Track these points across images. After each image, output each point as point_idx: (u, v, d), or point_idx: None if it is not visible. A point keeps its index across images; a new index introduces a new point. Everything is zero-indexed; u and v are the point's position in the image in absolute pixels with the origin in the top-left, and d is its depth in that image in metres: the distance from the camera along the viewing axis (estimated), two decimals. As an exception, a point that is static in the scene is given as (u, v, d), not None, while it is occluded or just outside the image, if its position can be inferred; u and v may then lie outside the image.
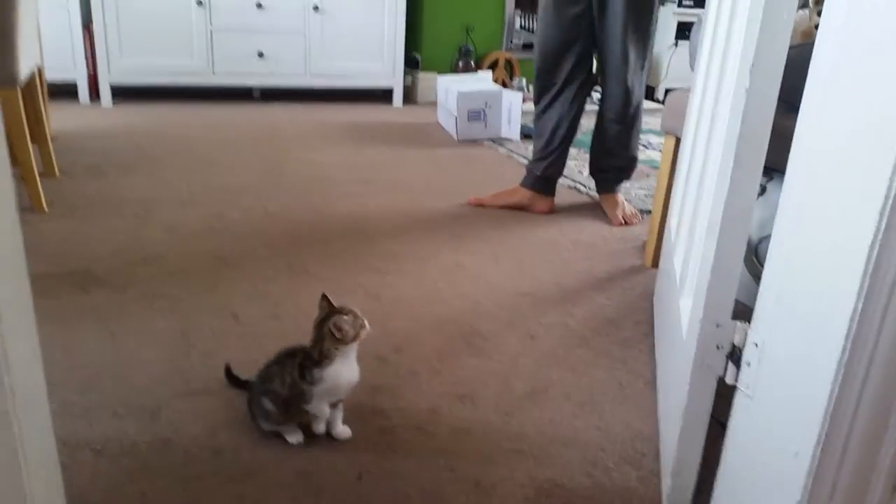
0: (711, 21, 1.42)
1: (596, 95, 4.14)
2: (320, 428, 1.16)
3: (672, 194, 1.66)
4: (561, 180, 2.56)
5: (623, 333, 1.55)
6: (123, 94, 3.64)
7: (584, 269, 1.91)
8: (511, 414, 1.24)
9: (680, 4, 4.25)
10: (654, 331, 1.53)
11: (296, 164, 2.76)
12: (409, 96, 4.08)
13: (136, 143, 2.91)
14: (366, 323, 1.12)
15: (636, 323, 1.60)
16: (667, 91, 4.40)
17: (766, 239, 1.35)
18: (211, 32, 3.57)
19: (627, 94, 2.22)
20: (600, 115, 2.33)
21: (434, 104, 3.97)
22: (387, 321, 1.56)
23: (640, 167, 2.49)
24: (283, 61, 3.72)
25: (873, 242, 0.58)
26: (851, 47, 0.64)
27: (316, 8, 3.66)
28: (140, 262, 1.81)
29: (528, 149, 3.11)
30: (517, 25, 4.20)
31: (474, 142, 3.29)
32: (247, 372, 1.25)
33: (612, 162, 2.34)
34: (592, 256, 2.00)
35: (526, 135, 3.32)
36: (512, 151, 3.15)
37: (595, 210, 2.40)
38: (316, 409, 1.13)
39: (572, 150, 2.50)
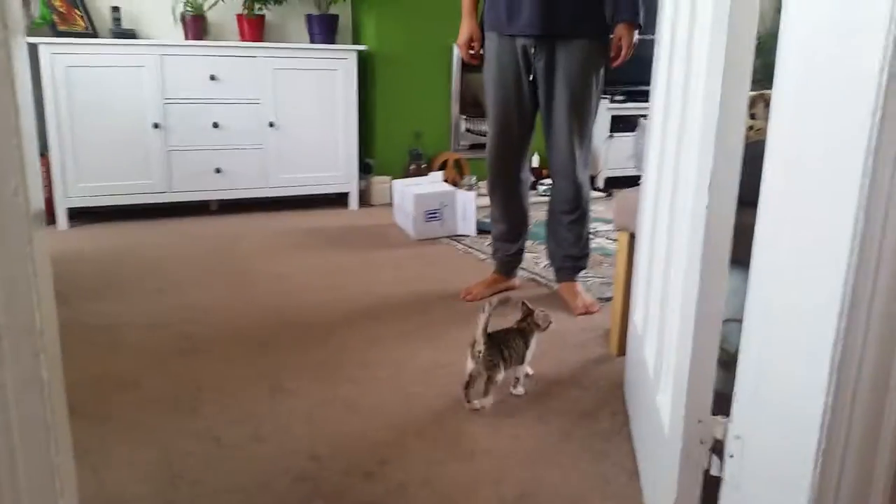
0: (658, 132, 1.56)
1: (542, 188, 4.35)
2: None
3: (633, 288, 1.76)
4: (520, 272, 2.69)
5: (601, 425, 1.61)
6: (79, 216, 3.65)
7: (554, 360, 1.98)
8: (505, 518, 1.27)
9: (612, 100, 4.55)
10: (631, 422, 1.59)
11: (260, 275, 2.80)
12: (365, 199, 4.20)
13: (98, 267, 2.91)
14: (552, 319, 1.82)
15: (612, 414, 1.66)
16: (607, 181, 4.66)
17: (727, 322, 1.46)
18: (168, 153, 3.64)
19: (578, 188, 2.37)
20: (552, 209, 2.48)
21: (389, 205, 4.09)
22: (369, 433, 1.58)
23: (592, 255, 2.62)
24: (241, 175, 3.80)
25: (836, 341, 0.66)
26: (803, 157, 0.74)
27: (272, 124, 3.80)
28: (116, 391, 1.80)
29: (485, 243, 3.24)
30: (462, 129, 4.42)
31: (432, 240, 3.40)
32: (232, 497, 1.25)
33: (570, 252, 2.46)
34: (561, 347, 2.07)
35: (481, 230, 3.45)
36: (469, 247, 3.26)
37: (555, 300, 2.49)
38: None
39: (528, 243, 2.65)
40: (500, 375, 1.70)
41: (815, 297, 0.70)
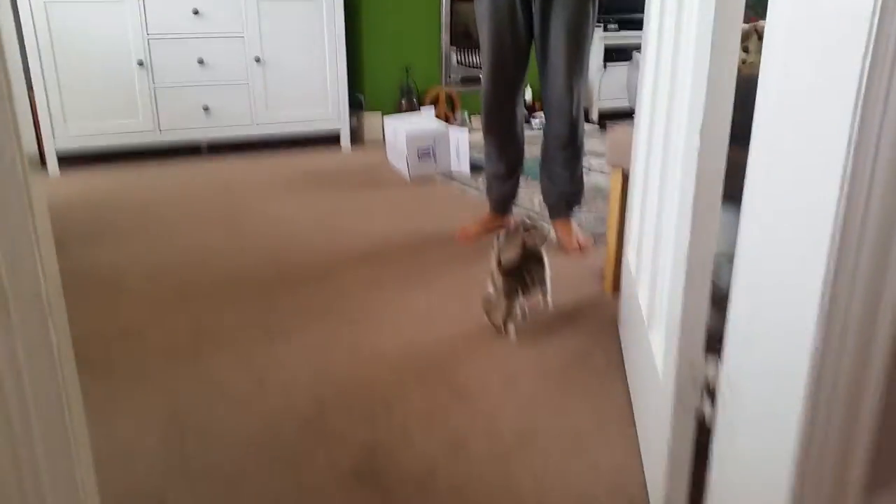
0: (651, 66, 1.54)
1: (535, 122, 4.30)
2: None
3: (627, 226, 1.78)
4: (515, 210, 2.70)
5: (596, 364, 1.65)
6: (69, 161, 3.60)
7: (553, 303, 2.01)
8: (505, 462, 1.32)
9: (605, 29, 4.45)
10: (625, 360, 1.63)
11: (256, 218, 2.80)
12: (357, 137, 4.15)
13: (93, 212, 2.90)
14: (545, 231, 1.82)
15: (607, 352, 1.70)
16: (600, 114, 4.61)
17: (718, 256, 1.48)
18: (154, 91, 3.57)
19: (573, 125, 2.35)
20: (546, 146, 2.47)
21: (381, 143, 4.06)
22: (370, 377, 1.62)
23: (585, 191, 2.62)
24: (229, 114, 3.74)
25: (825, 277, 0.67)
26: (793, 89, 0.74)
27: (258, 59, 3.71)
28: (118, 340, 1.83)
29: (479, 181, 3.23)
30: (454, 61, 4.33)
31: (426, 178, 3.39)
32: (240, 445, 1.29)
33: (564, 188, 2.46)
34: (556, 285, 2.09)
35: (475, 167, 3.43)
36: (464, 184, 3.25)
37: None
38: None
39: (521, 179, 2.65)
40: (520, 300, 1.80)
41: (805, 233, 0.71)
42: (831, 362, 0.70)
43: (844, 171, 0.65)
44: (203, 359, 1.72)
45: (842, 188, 0.66)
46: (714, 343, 1.01)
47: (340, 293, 2.09)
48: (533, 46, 2.34)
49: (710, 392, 0.92)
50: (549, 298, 1.89)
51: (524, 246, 1.79)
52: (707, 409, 0.93)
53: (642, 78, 1.66)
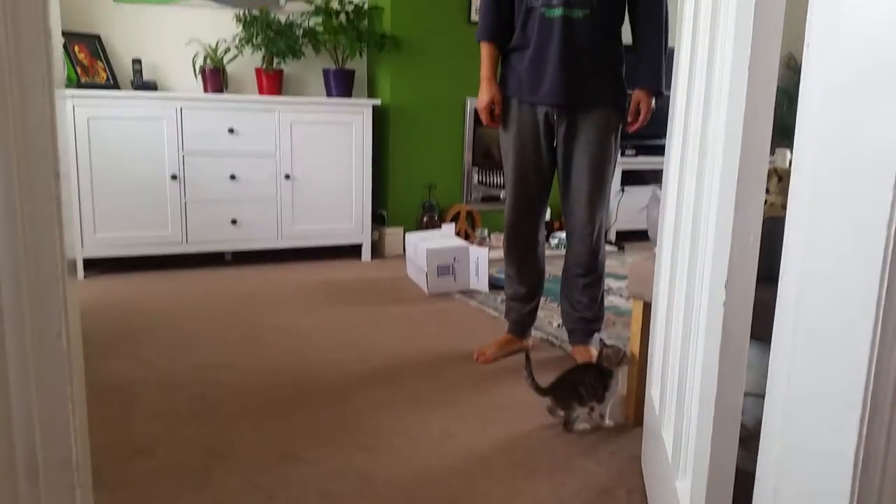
0: (672, 203, 1.57)
1: (553, 241, 4.36)
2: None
3: (650, 360, 1.75)
4: (534, 332, 2.68)
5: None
6: (94, 265, 3.68)
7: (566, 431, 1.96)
8: None
9: (623, 154, 4.59)
10: (650, 502, 1.56)
11: (273, 332, 2.81)
12: (377, 250, 4.22)
13: (113, 320, 2.93)
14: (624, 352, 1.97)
15: (629, 491, 1.64)
16: (618, 234, 4.68)
17: (745, 395, 1.45)
18: (185, 204, 3.69)
19: (594, 252, 2.38)
20: (566, 271, 2.49)
21: (401, 257, 4.12)
22: (385, 508, 1.56)
23: (605, 315, 2.61)
24: (256, 227, 3.85)
25: (861, 419, 0.65)
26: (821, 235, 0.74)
27: (287, 176, 3.85)
28: (131, 457, 1.79)
29: (498, 299, 3.24)
30: (475, 181, 4.47)
31: (445, 295, 3.40)
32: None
33: (584, 314, 2.46)
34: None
35: (494, 285, 3.45)
36: (482, 304, 3.26)
37: (568, 362, 2.47)
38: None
39: (541, 300, 2.65)
40: (577, 412, 1.95)
41: (838, 378, 0.69)
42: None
43: (876, 320, 0.64)
44: (212, 481, 1.67)
45: (874, 333, 0.65)
46: (741, 483, 0.97)
47: (356, 414, 2.05)
48: (556, 174, 2.42)
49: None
50: (604, 415, 2.00)
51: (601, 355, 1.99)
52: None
53: (664, 214, 1.69)
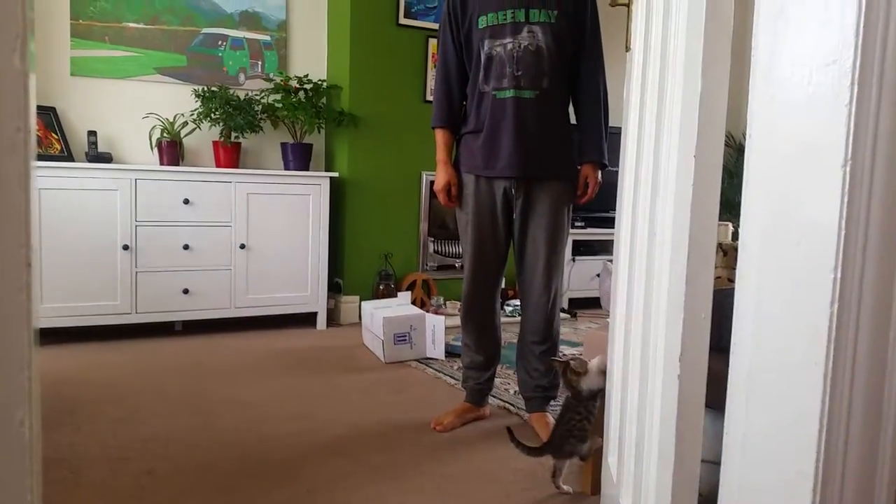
0: (623, 283, 1.64)
1: (508, 308, 4.42)
2: None
3: (606, 429, 1.78)
4: (491, 400, 2.69)
5: (578, 573, 1.58)
6: (40, 335, 3.56)
7: (529, 499, 1.95)
8: None
9: (573, 227, 4.74)
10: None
11: (224, 403, 2.74)
12: (333, 319, 4.20)
13: (57, 392, 2.82)
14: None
15: (588, 560, 1.63)
16: (570, 301, 4.77)
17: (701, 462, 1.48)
18: (136, 274, 3.64)
19: (549, 320, 2.43)
20: (522, 340, 2.53)
21: (357, 325, 4.10)
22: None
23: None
24: (209, 296, 3.80)
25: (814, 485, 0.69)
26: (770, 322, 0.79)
27: (242, 246, 3.84)
28: (70, 539, 1.71)
29: (455, 367, 3.25)
30: (431, 250, 4.53)
31: (402, 363, 3.39)
32: None
33: (540, 382, 2.48)
34: (533, 486, 2.05)
35: (451, 353, 3.46)
36: (439, 371, 3.26)
37: (525, 430, 2.48)
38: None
39: (498, 368, 2.67)
40: (580, 454, 1.96)
41: (791, 448, 0.73)
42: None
43: (824, 390, 0.69)
44: (161, 563, 1.61)
45: (823, 404, 0.70)
46: None
47: (310, 490, 2.01)
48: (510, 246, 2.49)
49: None
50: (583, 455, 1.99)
51: (566, 374, 1.98)
52: None
53: (615, 287, 1.76)
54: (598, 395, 1.95)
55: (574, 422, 1.95)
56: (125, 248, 3.60)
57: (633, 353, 1.48)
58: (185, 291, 3.74)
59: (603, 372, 1.94)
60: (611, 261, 1.98)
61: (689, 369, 1.03)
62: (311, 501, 1.93)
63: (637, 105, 1.56)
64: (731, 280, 1.78)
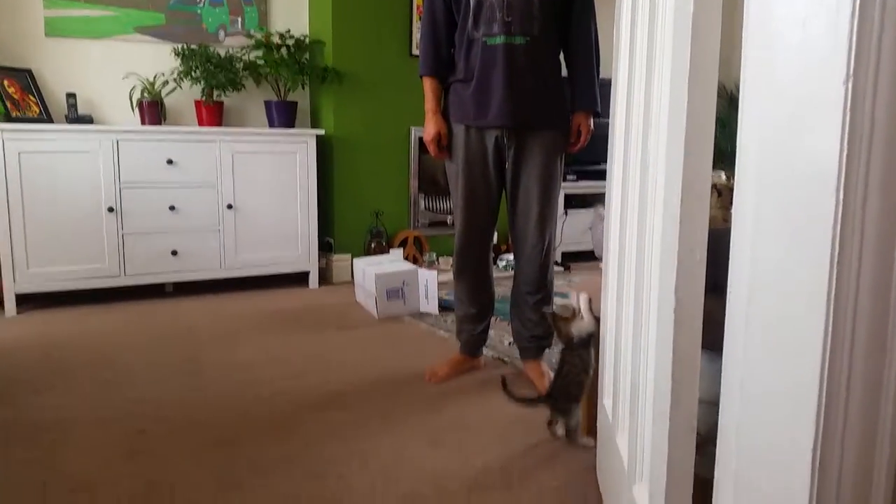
0: (616, 219, 1.60)
1: (501, 263, 4.39)
2: None
3: (601, 371, 1.76)
4: (485, 351, 2.68)
5: (574, 514, 1.58)
6: (28, 300, 3.52)
7: (523, 445, 1.95)
8: None
9: (565, 180, 4.69)
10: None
11: (217, 363, 2.72)
12: (325, 278, 4.17)
13: (47, 356, 2.79)
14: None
15: (586, 501, 1.63)
16: (563, 255, 4.74)
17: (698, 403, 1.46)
18: (123, 236, 3.58)
19: (543, 270, 2.40)
20: (516, 290, 2.50)
21: (350, 283, 4.07)
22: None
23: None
24: (197, 258, 3.75)
25: (815, 442, 0.66)
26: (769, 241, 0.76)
27: (230, 206, 3.78)
28: (69, 494, 1.69)
29: (448, 321, 3.23)
30: (422, 207, 4.48)
31: (395, 318, 3.37)
32: None
33: (535, 332, 2.47)
34: (529, 431, 2.05)
35: (444, 307, 3.44)
36: (433, 326, 3.24)
37: (520, 380, 2.47)
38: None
39: (492, 320, 2.65)
40: (576, 418, 1.94)
41: (791, 381, 0.70)
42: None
43: (826, 328, 0.66)
44: (155, 517, 1.59)
45: (825, 330, 0.66)
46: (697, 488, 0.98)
47: (305, 443, 2.00)
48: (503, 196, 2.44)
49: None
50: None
51: (557, 323, 1.98)
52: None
53: (608, 231, 1.72)
54: (592, 341, 1.92)
55: (572, 375, 1.93)
56: (110, 210, 3.53)
57: (626, 295, 1.45)
58: (174, 253, 3.69)
59: (593, 316, 1.91)
60: (603, 207, 1.94)
61: (684, 310, 0.99)
62: (308, 455, 1.92)
63: (627, 47, 1.50)
64: (727, 221, 1.74)
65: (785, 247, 0.72)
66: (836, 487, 0.67)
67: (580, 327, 1.94)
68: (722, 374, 0.86)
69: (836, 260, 0.65)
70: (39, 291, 3.47)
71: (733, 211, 0.86)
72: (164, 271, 3.70)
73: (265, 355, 2.82)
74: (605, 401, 1.65)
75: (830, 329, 0.66)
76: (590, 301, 1.94)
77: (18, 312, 3.42)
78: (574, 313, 1.94)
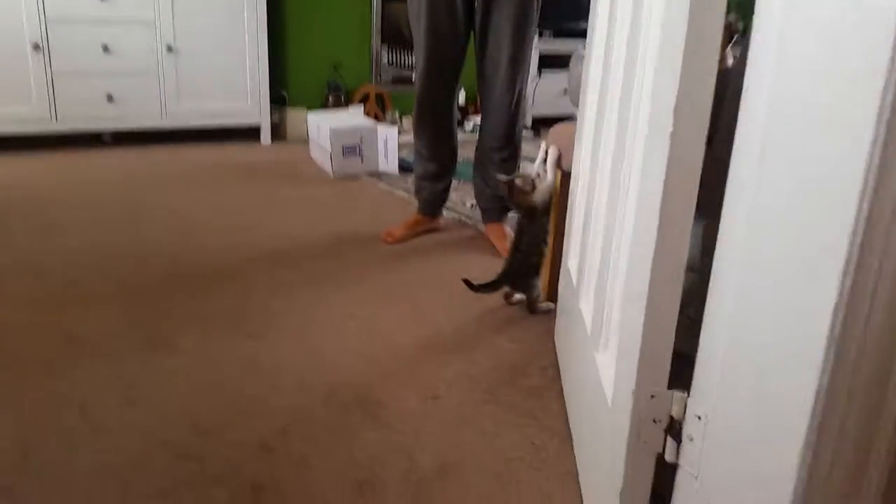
0: (599, 53, 1.37)
1: (468, 125, 4.14)
2: None
3: (567, 232, 1.60)
4: (446, 213, 2.50)
5: (530, 381, 1.46)
6: (-53, 147, 3.21)
7: (480, 307, 1.82)
8: (420, 499, 1.10)
9: (541, 36, 4.34)
10: (563, 378, 1.45)
11: (157, 215, 2.50)
12: (278, 133, 3.88)
13: (-35, 204, 2.54)
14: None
15: (542, 368, 1.51)
16: (535, 119, 4.48)
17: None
18: (52, 77, 3.22)
19: (512, 122, 2.18)
20: (481, 145, 2.29)
21: (305, 141, 3.81)
22: (269, 397, 1.38)
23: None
24: (136, 104, 3.42)
25: (838, 304, 0.50)
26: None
27: (170, 48, 3.40)
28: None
29: (409, 181, 3.02)
30: (385, 61, 4.13)
31: (351, 177, 3.16)
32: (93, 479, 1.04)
33: (497, 192, 2.28)
34: (485, 295, 1.91)
35: (404, 168, 3.22)
36: (392, 186, 3.04)
37: (481, 242, 2.32)
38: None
39: (453, 182, 2.46)
40: (537, 290, 1.78)
41: (810, 247, 0.53)
42: (842, 398, 0.53)
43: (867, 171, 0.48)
44: (70, 372, 1.44)
45: (868, 161, 0.48)
46: (677, 369, 0.82)
47: (245, 298, 1.84)
48: (471, 42, 2.17)
49: (675, 434, 0.74)
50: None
51: (512, 193, 1.76)
52: (669, 453, 0.74)
53: (588, 69, 1.49)
54: (550, 207, 1.75)
55: (532, 247, 1.76)
56: (36, 47, 3.15)
57: (605, 145, 1.25)
58: (110, 99, 3.35)
59: (562, 172, 1.72)
60: (584, 46, 1.69)
61: (684, 125, 0.78)
62: (249, 309, 1.76)
63: None
64: (723, 61, 1.52)
65: (832, 90, 0.52)
66: (859, 348, 0.52)
67: (544, 191, 1.74)
68: (720, 236, 0.69)
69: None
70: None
71: (752, 50, 0.65)
72: (99, 117, 3.37)
73: (208, 208, 2.60)
74: (570, 262, 1.50)
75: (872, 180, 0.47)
76: (559, 157, 1.75)
77: (-63, 157, 3.12)
78: (534, 185, 1.74)
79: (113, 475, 1.14)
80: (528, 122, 4.45)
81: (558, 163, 1.76)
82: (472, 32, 2.16)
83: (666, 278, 0.73)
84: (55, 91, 3.25)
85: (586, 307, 1.21)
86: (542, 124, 4.54)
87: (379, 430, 1.28)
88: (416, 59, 2.22)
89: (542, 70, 4.42)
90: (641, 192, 0.86)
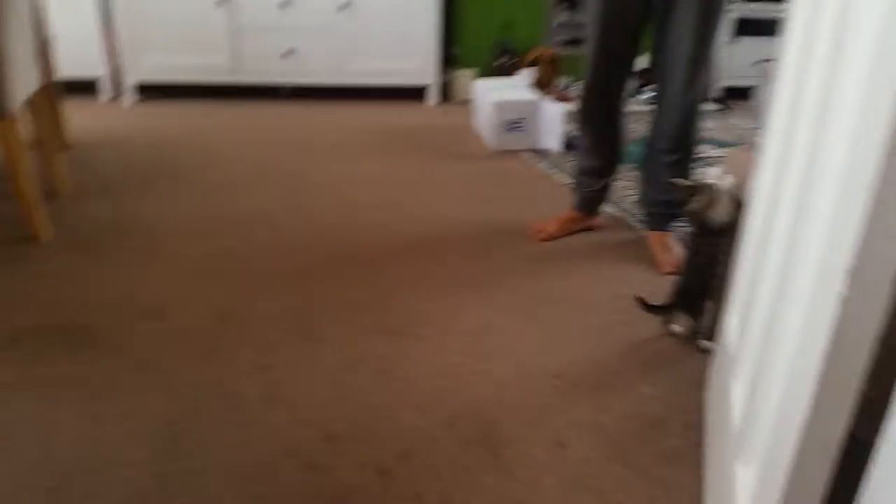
0: (791, 73, 1.16)
1: (642, 96, 3.84)
2: None
3: (733, 276, 1.42)
4: (606, 206, 2.34)
5: (668, 441, 1.34)
6: (145, 90, 3.50)
7: (624, 338, 1.68)
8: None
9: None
10: (705, 449, 1.31)
11: (320, 181, 2.59)
12: (446, 94, 3.84)
13: (155, 154, 2.77)
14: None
15: (685, 425, 1.38)
16: (726, 90, 4.06)
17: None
18: (233, 31, 3.39)
19: (688, 120, 1.97)
20: (652, 143, 2.10)
21: (470, 102, 3.73)
22: (397, 411, 1.38)
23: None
24: (312, 59, 3.52)
25: None
26: None
27: (346, 5, 3.44)
28: (138, 317, 1.67)
29: (571, 162, 2.86)
30: (559, 21, 3.91)
31: (511, 152, 3.06)
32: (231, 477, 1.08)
33: (664, 196, 2.09)
34: (635, 319, 1.76)
35: (569, 146, 3.06)
36: (552, 166, 2.91)
37: (640, 250, 2.15)
38: None
39: (619, 167, 2.27)
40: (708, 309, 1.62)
41: None
42: None
43: None
44: (218, 354, 1.53)
45: None
46: None
47: (386, 292, 1.85)
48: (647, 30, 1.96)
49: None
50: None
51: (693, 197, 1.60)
52: None
53: (776, 93, 1.27)
54: (730, 231, 1.55)
55: (706, 267, 1.60)
56: (217, 3, 3.31)
57: (786, 188, 1.06)
58: (287, 54, 3.47)
59: (737, 202, 1.53)
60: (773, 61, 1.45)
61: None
62: (388, 305, 1.77)
63: None
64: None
65: None
66: None
67: (719, 213, 1.57)
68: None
69: None
70: (156, 80, 3.41)
71: None
72: (278, 70, 3.52)
73: (367, 179, 2.65)
74: (732, 318, 1.33)
75: None
76: (735, 186, 1.55)
77: (139, 104, 3.41)
78: (711, 201, 1.56)
79: (239, 477, 1.19)
80: (717, 93, 4.05)
81: (735, 191, 1.56)
82: (651, 18, 1.95)
83: (833, 395, 0.59)
84: (240, 44, 3.41)
85: (737, 394, 1.06)
86: (733, 95, 4.10)
87: (497, 474, 1.23)
88: (587, 45, 2.05)
89: (739, 36, 3.98)
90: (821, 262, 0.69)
